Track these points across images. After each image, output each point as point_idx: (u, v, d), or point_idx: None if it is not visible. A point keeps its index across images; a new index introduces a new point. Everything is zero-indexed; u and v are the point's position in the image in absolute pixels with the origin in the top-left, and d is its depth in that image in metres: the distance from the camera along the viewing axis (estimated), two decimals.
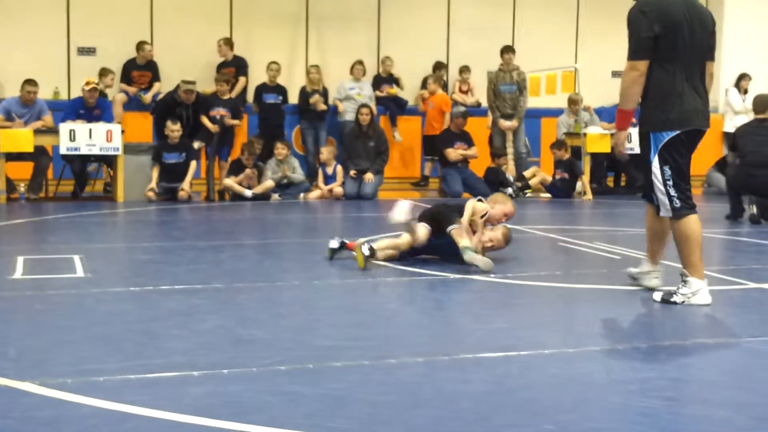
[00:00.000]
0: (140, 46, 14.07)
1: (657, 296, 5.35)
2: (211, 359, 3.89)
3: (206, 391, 3.43)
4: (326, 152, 13.08)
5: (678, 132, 5.17)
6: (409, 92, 15.57)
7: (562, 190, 13.30)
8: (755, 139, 10.06)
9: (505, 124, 13.95)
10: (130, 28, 14.36)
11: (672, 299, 5.25)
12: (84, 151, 11.51)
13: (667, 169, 5.23)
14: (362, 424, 3.10)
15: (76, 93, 13.56)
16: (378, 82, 15.15)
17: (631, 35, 5.18)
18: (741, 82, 16.62)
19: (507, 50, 14.23)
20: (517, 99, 13.97)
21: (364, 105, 13.38)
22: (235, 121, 12.90)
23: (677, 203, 5.23)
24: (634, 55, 5.16)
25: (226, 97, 13.02)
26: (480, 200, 6.93)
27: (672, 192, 5.23)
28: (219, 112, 12.71)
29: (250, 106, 14.15)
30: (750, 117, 15.92)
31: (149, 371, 3.66)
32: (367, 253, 6.36)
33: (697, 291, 5.23)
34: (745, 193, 10.13)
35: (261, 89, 14.08)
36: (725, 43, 17.15)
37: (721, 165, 14.60)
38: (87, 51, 14.37)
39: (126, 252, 7.63)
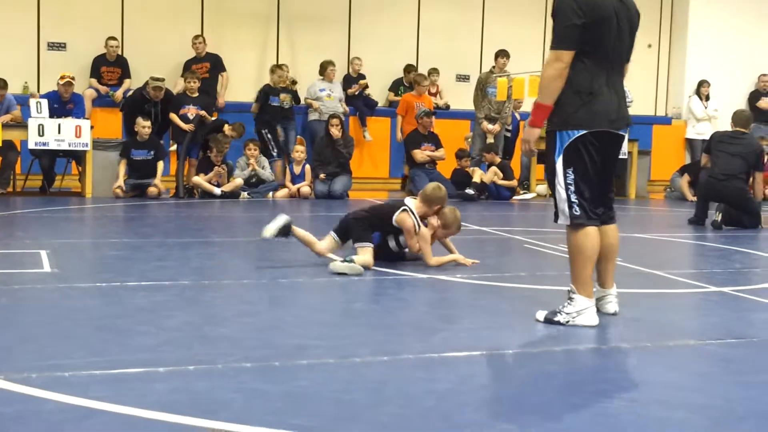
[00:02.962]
0: (107, 42, 14.02)
1: (540, 315, 4.89)
2: (176, 356, 3.90)
3: (171, 387, 3.45)
4: (300, 151, 13.10)
5: (585, 132, 4.72)
6: (378, 93, 15.62)
7: (504, 191, 13.59)
8: (729, 149, 10.22)
9: (487, 126, 14.05)
10: (101, 24, 14.30)
11: (555, 318, 4.81)
12: (53, 146, 11.47)
13: (570, 172, 4.76)
14: (327, 421, 3.13)
15: (45, 88, 13.50)
16: (348, 81, 15.20)
17: (557, 23, 4.72)
18: (701, 88, 16.87)
19: (502, 54, 14.33)
20: (503, 104, 14.10)
21: (334, 116, 13.40)
22: (210, 117, 12.90)
23: (577, 211, 4.77)
24: (559, 44, 4.68)
25: (196, 95, 13.00)
26: (405, 210, 6.66)
27: (573, 198, 4.77)
28: (191, 110, 12.69)
29: (233, 104, 14.19)
30: (712, 123, 16.28)
31: (115, 367, 3.67)
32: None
33: (583, 310, 4.79)
34: (716, 201, 10.28)
35: (268, 91, 13.99)
36: (689, 50, 17.41)
37: (682, 170, 14.82)
38: (57, 46, 14.30)
39: (93, 248, 7.60)
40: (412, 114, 14.44)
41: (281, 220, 6.46)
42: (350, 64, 15.47)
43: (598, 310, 4.98)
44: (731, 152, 10.18)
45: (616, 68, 4.83)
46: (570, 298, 4.83)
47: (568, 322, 4.78)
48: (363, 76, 15.32)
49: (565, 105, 4.73)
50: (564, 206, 4.81)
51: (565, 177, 4.78)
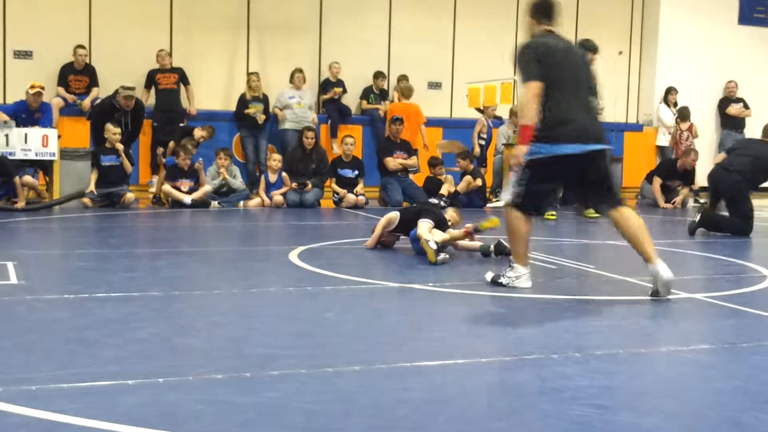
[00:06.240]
0: (75, 50, 13.91)
1: (488, 276, 6.23)
2: (146, 368, 3.85)
3: (141, 400, 3.40)
4: (277, 160, 13.05)
5: (552, 153, 5.72)
6: (350, 101, 15.60)
7: (476, 200, 13.60)
8: (746, 149, 10.57)
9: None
10: (68, 32, 14.18)
11: (500, 280, 6.09)
12: (19, 156, 11.36)
13: (528, 171, 5.84)
14: None
15: (11, 97, 13.37)
16: (326, 86, 15.20)
17: (519, 65, 5.84)
18: (668, 95, 17.00)
19: None
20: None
21: (309, 128, 13.40)
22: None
23: (519, 198, 5.92)
24: (526, 78, 5.77)
25: None
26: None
27: (520, 191, 5.91)
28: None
29: (202, 113, 14.15)
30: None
31: (83, 380, 3.62)
32: (434, 247, 7.12)
33: (520, 275, 6.06)
34: (714, 191, 10.53)
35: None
36: (660, 57, 17.53)
37: (650, 175, 14.91)
38: (23, 54, 14.16)
39: (61, 259, 7.52)
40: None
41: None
42: (329, 68, 15.43)
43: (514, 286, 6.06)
44: (746, 153, 10.37)
45: (584, 95, 5.97)
46: (511, 266, 6.12)
47: (508, 284, 6.05)
48: (341, 82, 15.31)
49: (543, 125, 5.76)
50: (512, 188, 5.95)
51: (522, 173, 5.88)
